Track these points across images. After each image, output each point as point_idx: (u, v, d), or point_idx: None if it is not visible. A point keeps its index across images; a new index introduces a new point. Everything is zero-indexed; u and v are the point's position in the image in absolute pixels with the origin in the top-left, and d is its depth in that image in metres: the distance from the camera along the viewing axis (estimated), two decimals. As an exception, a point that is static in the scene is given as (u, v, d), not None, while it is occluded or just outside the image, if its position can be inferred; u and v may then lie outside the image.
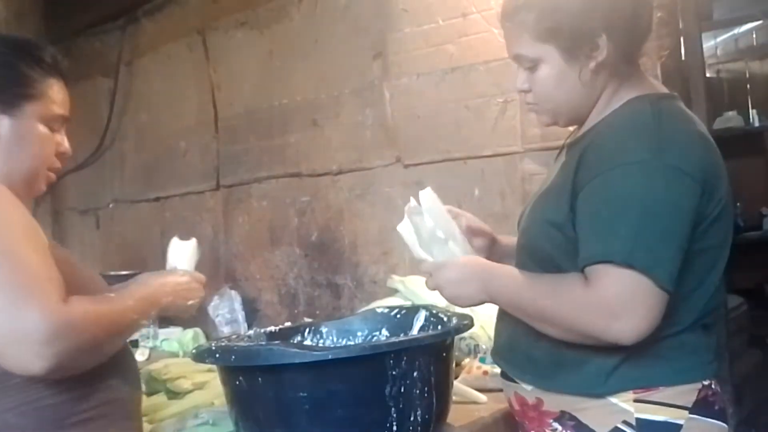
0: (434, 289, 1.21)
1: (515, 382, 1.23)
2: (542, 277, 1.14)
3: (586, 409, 1.13)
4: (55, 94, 1.23)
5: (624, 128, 1.11)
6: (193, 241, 1.50)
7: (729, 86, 5.38)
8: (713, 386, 1.14)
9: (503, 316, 1.26)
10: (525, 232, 1.23)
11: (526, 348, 1.19)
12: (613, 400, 1.11)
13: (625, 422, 1.10)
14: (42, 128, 1.21)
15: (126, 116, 3.27)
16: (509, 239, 1.37)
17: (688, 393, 1.11)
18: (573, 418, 1.14)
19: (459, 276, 1.17)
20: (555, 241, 1.13)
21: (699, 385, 1.12)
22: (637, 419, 1.09)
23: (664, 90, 1.21)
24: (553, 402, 1.17)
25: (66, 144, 1.27)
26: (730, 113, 4.86)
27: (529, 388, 1.20)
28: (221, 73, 2.89)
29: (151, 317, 1.29)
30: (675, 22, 2.06)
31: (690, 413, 1.10)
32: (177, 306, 1.31)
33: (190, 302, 1.33)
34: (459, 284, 1.17)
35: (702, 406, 1.11)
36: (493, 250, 1.37)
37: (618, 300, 1.01)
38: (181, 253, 1.45)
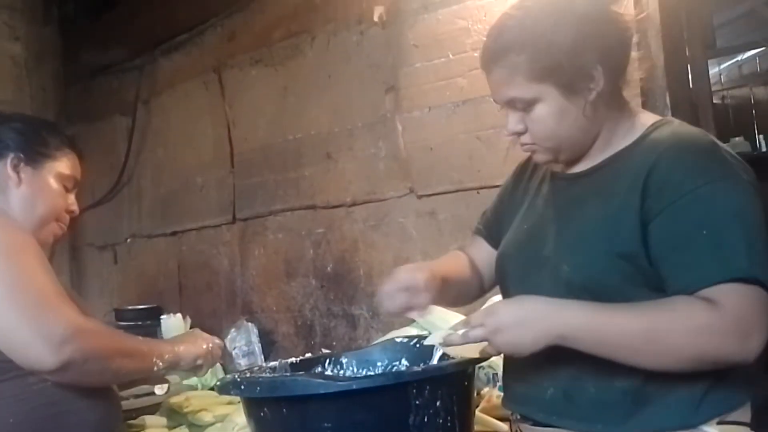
0: (496, 348, 1.07)
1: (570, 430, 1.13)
2: (640, 305, 1.03)
3: None
4: (69, 161, 1.47)
5: (691, 149, 1.08)
6: (179, 317, 1.70)
7: (734, 112, 5.41)
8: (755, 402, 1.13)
9: (548, 365, 1.13)
10: (582, 270, 1.11)
11: (595, 393, 1.09)
12: (701, 426, 1.06)
13: None
14: (57, 184, 1.43)
15: (143, 153, 3.34)
16: (441, 271, 1.29)
17: (747, 410, 1.10)
18: None
19: (516, 317, 1.05)
20: (625, 274, 1.07)
21: (749, 401, 1.11)
22: None
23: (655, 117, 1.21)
24: None
25: (75, 205, 1.49)
26: (737, 139, 4.87)
27: None
28: (236, 109, 2.95)
29: (167, 361, 1.37)
30: (682, 49, 2.10)
31: (751, 429, 1.09)
32: (189, 351, 1.41)
33: (199, 361, 1.44)
34: (518, 326, 1.04)
35: (754, 422, 1.10)
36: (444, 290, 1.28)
37: (750, 317, 0.97)
38: (177, 330, 1.63)
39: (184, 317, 1.58)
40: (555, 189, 1.24)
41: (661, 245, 1.04)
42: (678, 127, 1.14)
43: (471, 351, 1.15)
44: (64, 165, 1.45)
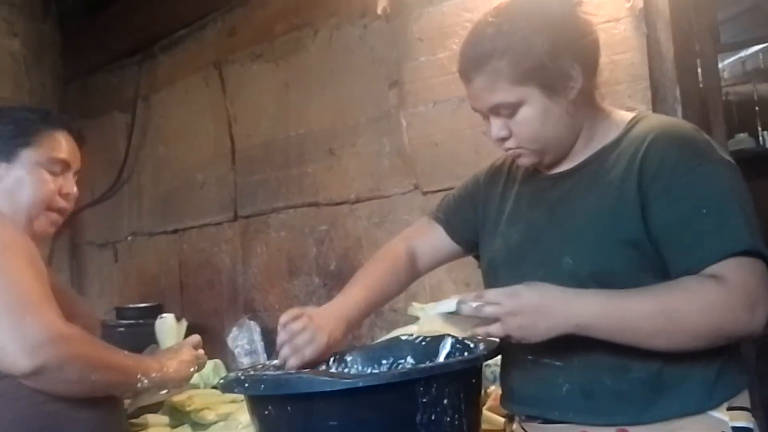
0: (505, 330, 1.07)
1: (583, 424, 1.13)
2: (652, 288, 1.05)
3: (681, 429, 1.08)
4: (56, 142, 1.37)
5: (679, 135, 1.12)
6: (172, 318, 1.63)
7: (738, 108, 5.38)
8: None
9: (559, 363, 1.15)
10: (587, 260, 1.12)
11: (612, 385, 1.11)
12: (711, 411, 1.08)
13: None
14: (40, 172, 1.34)
15: (143, 150, 3.31)
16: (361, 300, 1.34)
17: (746, 395, 1.11)
18: None
19: (537, 303, 1.05)
20: (631, 260, 1.09)
21: (747, 387, 1.12)
22: (733, 428, 1.07)
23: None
24: (641, 431, 1.09)
25: (70, 187, 1.39)
26: (741, 135, 4.86)
27: (609, 426, 1.11)
28: (238, 105, 2.92)
29: (153, 380, 1.34)
30: (692, 43, 2.07)
31: (752, 415, 1.10)
32: (179, 373, 1.39)
33: (192, 369, 1.43)
34: (536, 313, 1.05)
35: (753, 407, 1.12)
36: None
37: (756, 289, 1.01)
38: (170, 332, 1.58)
39: (183, 315, 1.55)
40: (540, 190, 1.25)
41: (663, 228, 1.07)
42: (660, 117, 1.20)
43: (456, 331, 1.15)
44: (45, 149, 1.35)
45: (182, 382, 1.42)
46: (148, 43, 3.20)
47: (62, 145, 1.37)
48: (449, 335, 1.43)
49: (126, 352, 1.31)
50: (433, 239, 1.43)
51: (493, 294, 1.09)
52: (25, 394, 1.15)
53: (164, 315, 1.60)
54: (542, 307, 1.05)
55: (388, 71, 2.42)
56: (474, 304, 1.09)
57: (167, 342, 1.54)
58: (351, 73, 2.53)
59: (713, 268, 1.02)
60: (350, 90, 2.53)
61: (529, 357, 1.20)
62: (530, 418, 1.22)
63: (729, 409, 1.08)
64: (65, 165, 1.38)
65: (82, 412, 1.22)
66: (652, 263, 1.08)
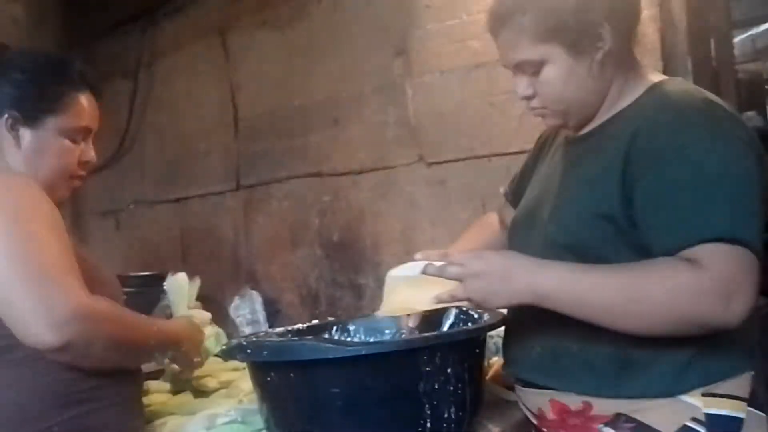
0: (467, 292, 1.07)
1: (552, 389, 1.15)
2: (620, 266, 1.03)
3: (648, 409, 1.06)
4: (81, 108, 1.30)
5: (680, 107, 1.07)
6: (184, 276, 1.54)
7: (747, 86, 5.32)
8: (754, 375, 1.10)
9: (535, 325, 1.16)
10: (565, 229, 1.13)
11: (579, 354, 1.10)
12: (682, 396, 1.05)
13: (694, 419, 1.04)
14: (62, 141, 1.28)
15: (146, 118, 3.28)
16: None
17: (744, 383, 1.07)
18: (631, 420, 1.07)
19: (501, 267, 1.05)
20: (605, 235, 1.07)
21: (750, 375, 1.08)
22: (706, 414, 1.04)
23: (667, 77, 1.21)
24: (607, 405, 1.09)
25: (91, 153, 1.33)
26: (750, 113, 4.81)
27: (574, 394, 1.12)
28: (241, 73, 2.89)
29: (166, 356, 1.33)
30: (706, 16, 2.03)
31: (748, 405, 1.06)
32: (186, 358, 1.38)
33: (197, 359, 1.42)
34: (498, 277, 1.04)
35: (754, 397, 1.08)
36: None
37: (734, 279, 0.95)
38: (180, 290, 1.53)
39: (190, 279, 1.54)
40: (564, 152, 1.24)
41: (646, 207, 1.03)
42: (674, 86, 1.12)
43: (424, 304, 1.16)
44: (71, 117, 1.28)
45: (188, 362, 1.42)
46: (151, 8, 3.15)
47: (85, 109, 1.31)
48: (455, 307, 1.43)
49: (154, 319, 1.29)
50: (508, 217, 1.41)
51: (458, 254, 1.09)
52: (45, 364, 1.12)
53: (175, 274, 1.55)
54: (506, 272, 1.04)
55: (394, 39, 2.38)
56: (437, 264, 1.09)
57: (178, 301, 1.50)
58: (356, 40, 2.49)
59: (690, 251, 0.97)
60: (355, 58, 2.50)
61: (513, 318, 1.21)
62: (516, 381, 1.25)
63: (706, 395, 1.05)
64: (87, 132, 1.32)
65: (104, 381, 1.20)
66: (630, 239, 1.05)
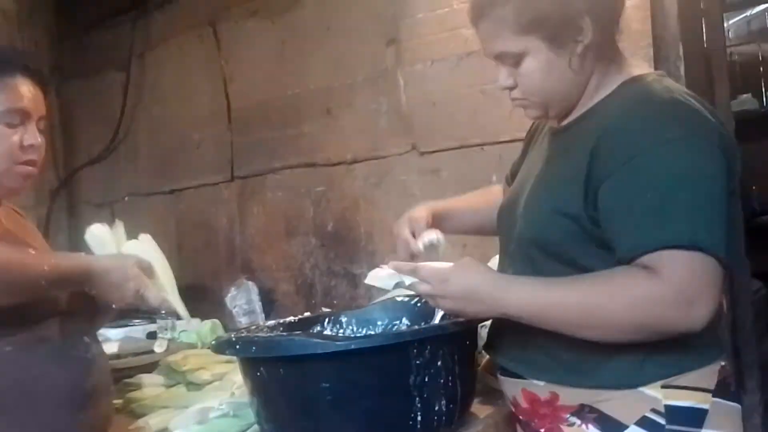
0: (438, 307, 1.15)
1: (522, 378, 1.18)
2: (579, 280, 1.05)
3: (609, 400, 1.08)
4: (15, 91, 1.23)
5: (643, 109, 1.06)
6: (103, 226, 1.38)
7: (742, 69, 5.29)
8: (727, 366, 1.12)
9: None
10: (531, 225, 1.16)
11: (545, 345, 1.12)
12: (642, 388, 1.06)
13: (653, 410, 1.06)
14: None
15: (139, 109, 3.26)
16: (449, 205, 1.45)
17: (710, 375, 1.08)
18: (594, 410, 1.09)
19: (464, 290, 1.08)
20: (566, 231, 1.08)
21: (718, 366, 1.09)
22: (666, 406, 1.05)
23: (649, 69, 1.20)
24: (571, 396, 1.11)
25: (33, 137, 1.26)
26: (745, 96, 4.79)
27: (542, 383, 1.15)
28: (233, 63, 2.87)
29: (75, 283, 1.21)
30: (696, 2, 2.01)
31: (713, 396, 1.07)
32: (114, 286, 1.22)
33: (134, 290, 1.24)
34: (463, 299, 1.09)
35: (722, 388, 1.08)
36: (447, 225, 1.40)
37: (692, 285, 0.95)
38: (102, 241, 1.35)
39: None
40: (548, 143, 1.24)
41: (607, 210, 1.03)
42: (644, 84, 1.11)
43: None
44: (1, 100, 1.21)
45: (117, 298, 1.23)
46: (142, 0, 3.12)
47: (21, 92, 1.24)
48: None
49: (52, 256, 1.21)
50: None
51: (426, 272, 1.12)
52: None
53: (92, 226, 1.38)
54: (470, 294, 1.08)
55: (386, 28, 2.36)
56: (408, 282, 1.14)
57: (104, 252, 1.35)
58: (348, 30, 2.47)
59: (648, 259, 0.97)
60: (347, 48, 2.48)
61: None
62: (499, 369, 1.27)
63: (667, 387, 1.06)
64: (25, 114, 1.25)
65: (51, 379, 1.17)
66: (594, 237, 1.06)
